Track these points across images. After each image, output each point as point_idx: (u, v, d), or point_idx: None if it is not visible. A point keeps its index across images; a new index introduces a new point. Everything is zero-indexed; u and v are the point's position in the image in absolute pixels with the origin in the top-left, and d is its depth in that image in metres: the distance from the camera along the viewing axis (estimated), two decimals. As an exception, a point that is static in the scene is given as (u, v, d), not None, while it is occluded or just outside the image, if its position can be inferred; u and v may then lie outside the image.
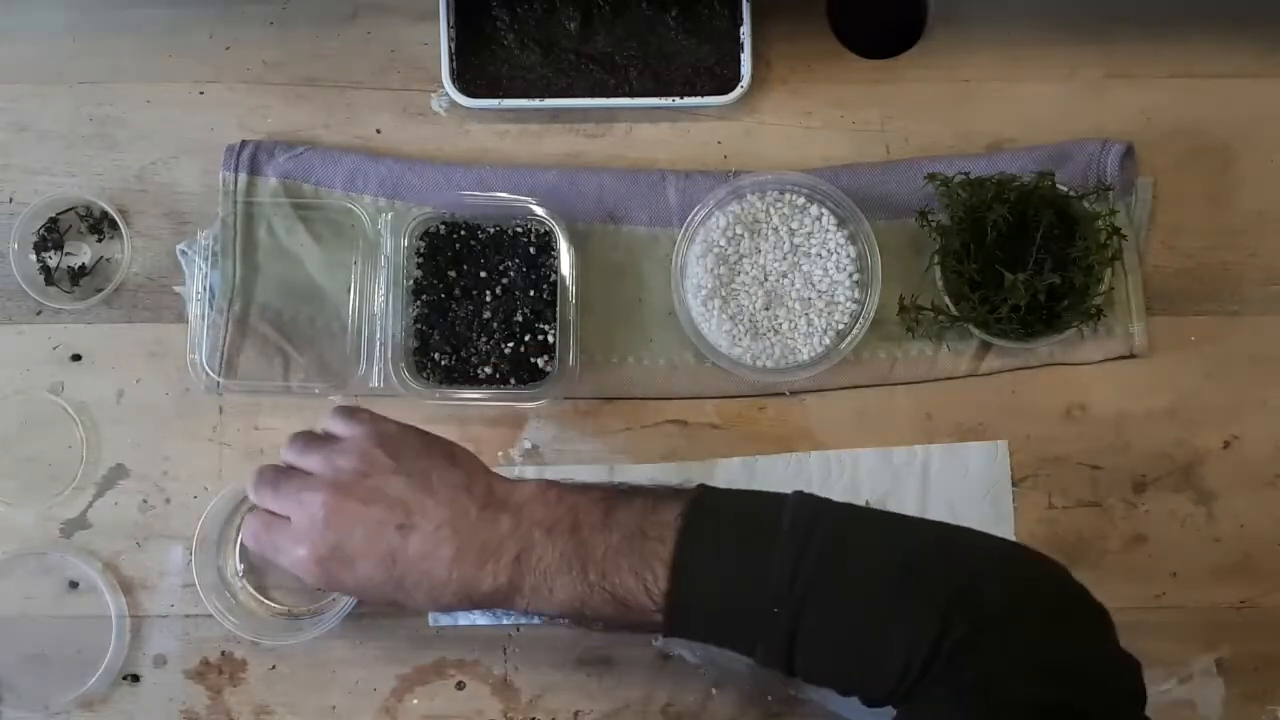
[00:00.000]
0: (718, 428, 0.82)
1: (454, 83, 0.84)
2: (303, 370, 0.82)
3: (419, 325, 0.82)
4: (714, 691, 0.79)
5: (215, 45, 0.86)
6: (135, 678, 0.80)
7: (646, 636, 0.66)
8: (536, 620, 0.73)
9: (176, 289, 0.84)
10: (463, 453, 0.71)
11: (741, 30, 0.83)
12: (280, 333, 0.83)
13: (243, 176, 0.83)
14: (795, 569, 0.61)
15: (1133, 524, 0.81)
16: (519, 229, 0.83)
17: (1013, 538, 0.80)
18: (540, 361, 0.82)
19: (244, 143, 0.84)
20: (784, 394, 0.82)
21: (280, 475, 0.71)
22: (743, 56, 0.83)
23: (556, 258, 0.82)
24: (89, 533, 0.81)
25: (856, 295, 0.81)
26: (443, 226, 0.83)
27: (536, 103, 0.84)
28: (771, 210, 0.81)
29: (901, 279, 0.82)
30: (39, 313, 0.83)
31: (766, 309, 0.81)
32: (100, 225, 0.84)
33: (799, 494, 0.66)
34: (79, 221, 0.84)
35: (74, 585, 0.81)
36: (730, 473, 0.81)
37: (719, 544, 0.64)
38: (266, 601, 0.81)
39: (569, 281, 0.81)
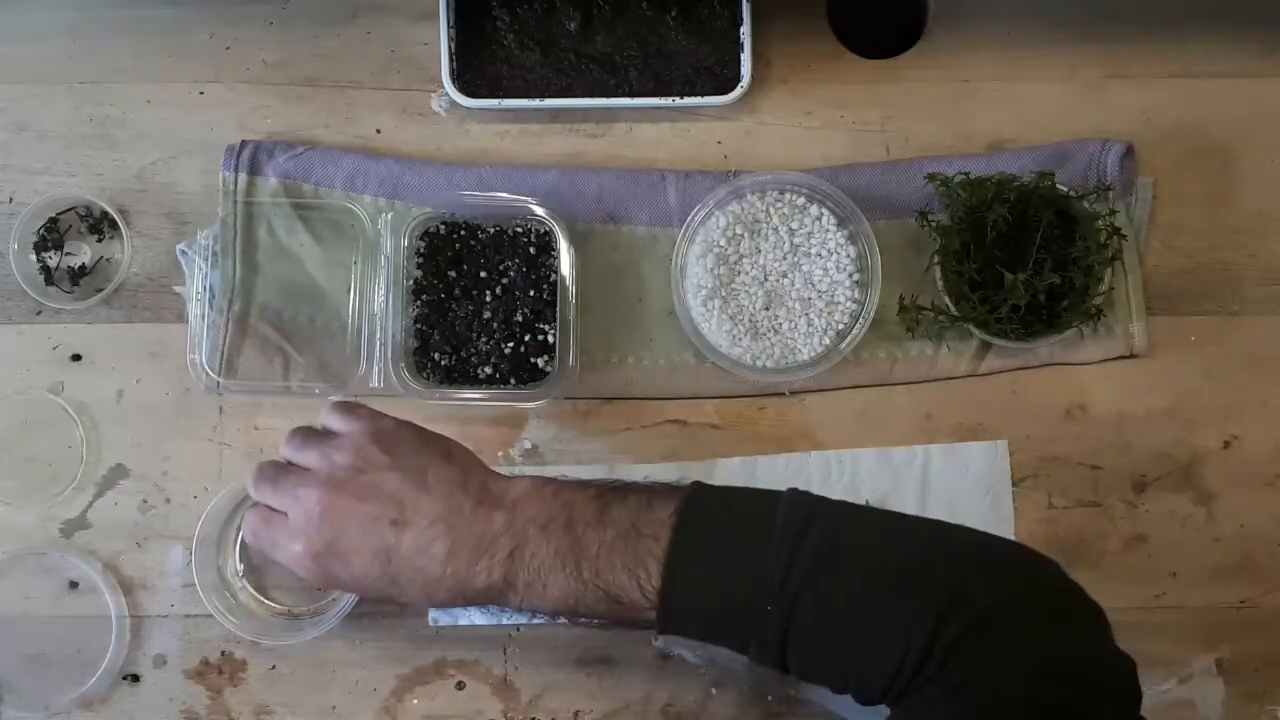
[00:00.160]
0: (718, 428, 0.82)
1: (454, 83, 0.84)
2: (303, 370, 0.82)
3: (419, 325, 0.82)
4: (714, 691, 0.79)
5: (215, 45, 0.86)
6: (135, 678, 0.80)
7: (647, 636, 0.66)
8: (536, 620, 0.73)
9: (176, 289, 0.84)
10: (459, 449, 0.72)
11: (741, 30, 0.83)
12: (280, 333, 0.83)
13: (243, 176, 0.83)
14: (789, 566, 0.61)
15: (1133, 524, 0.81)
16: (519, 229, 0.83)
17: (1012, 538, 0.80)
18: (540, 361, 0.82)
19: (244, 143, 0.84)
20: (784, 394, 0.82)
21: (279, 471, 0.71)
22: (743, 56, 0.83)
23: (556, 258, 0.82)
24: (89, 533, 0.81)
25: (856, 295, 0.81)
26: (443, 226, 0.83)
27: (536, 103, 0.84)
28: (771, 210, 0.81)
29: (901, 279, 0.82)
30: (39, 313, 0.83)
31: (766, 309, 0.81)
32: (100, 225, 0.84)
33: (793, 491, 0.66)
34: (79, 221, 0.84)
35: (74, 585, 0.81)
36: (730, 473, 0.81)
37: (713, 541, 0.64)
38: (266, 601, 0.81)
39: (569, 281, 0.81)
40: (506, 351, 0.82)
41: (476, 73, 0.85)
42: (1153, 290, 0.83)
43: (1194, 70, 0.85)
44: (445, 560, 0.66)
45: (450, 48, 0.84)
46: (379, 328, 0.82)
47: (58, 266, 0.84)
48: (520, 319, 0.82)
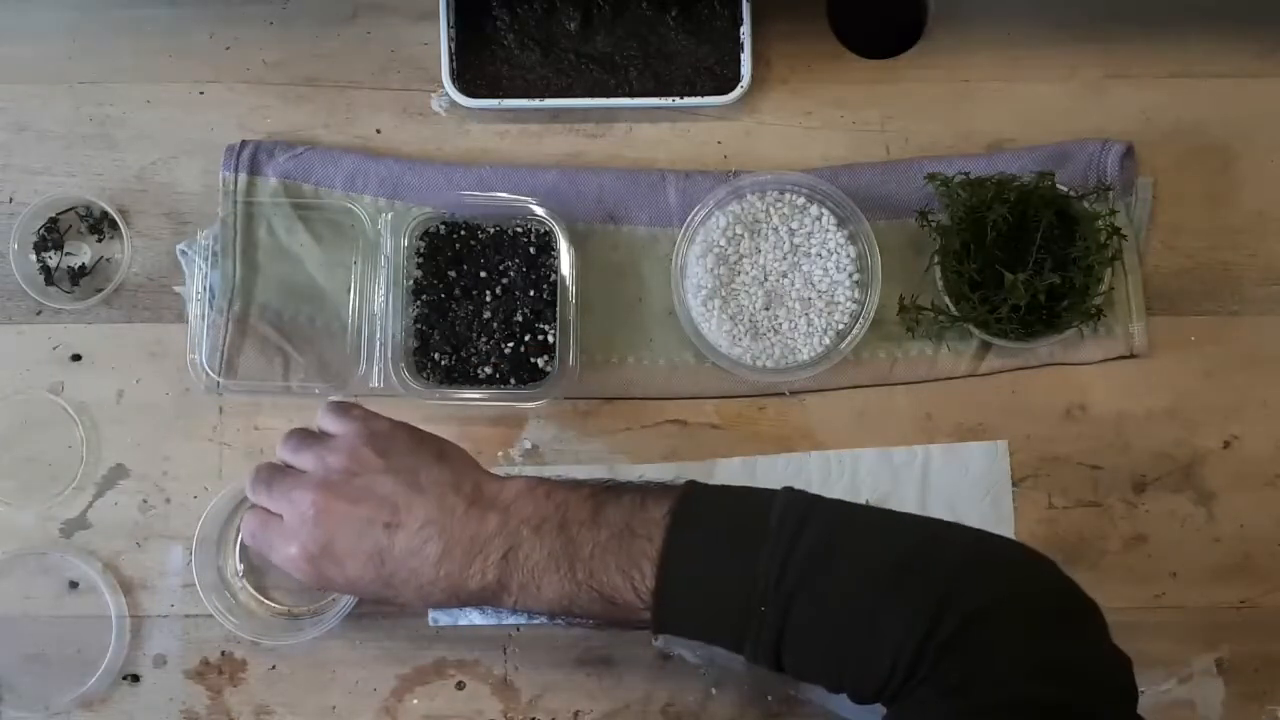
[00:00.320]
0: (718, 428, 0.82)
1: (454, 83, 0.84)
2: (303, 370, 0.82)
3: (419, 325, 0.82)
4: (714, 691, 0.79)
5: (215, 45, 0.86)
6: (135, 678, 0.80)
7: (646, 636, 0.67)
8: (536, 620, 0.73)
9: (176, 289, 0.84)
10: (453, 450, 0.71)
11: (741, 30, 0.83)
12: (280, 333, 0.83)
13: (243, 176, 0.83)
14: (783, 566, 0.61)
15: (1133, 524, 0.81)
16: (519, 229, 0.83)
17: (1012, 537, 0.80)
18: (540, 361, 0.82)
19: (244, 143, 0.84)
20: (784, 394, 0.82)
21: (274, 474, 0.71)
22: (743, 56, 0.83)
23: (556, 258, 0.82)
24: (89, 533, 0.81)
25: (856, 295, 0.81)
26: (443, 226, 0.83)
27: (536, 103, 0.84)
28: (771, 210, 0.81)
29: (901, 279, 0.82)
30: (39, 313, 0.83)
31: (766, 309, 0.81)
32: (100, 225, 0.84)
33: (788, 490, 0.65)
34: (79, 221, 0.84)
35: (74, 585, 0.81)
36: (730, 473, 0.81)
37: (707, 542, 0.64)
38: (266, 601, 0.81)
39: (569, 281, 0.81)
40: (506, 351, 0.82)
41: (476, 73, 0.85)
42: (1153, 290, 0.83)
43: (1194, 70, 0.85)
44: (439, 562, 0.66)
45: (450, 48, 0.84)
46: (379, 328, 0.82)
47: (58, 266, 0.84)
48: (520, 319, 0.82)
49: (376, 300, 0.82)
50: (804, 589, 0.61)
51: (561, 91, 0.84)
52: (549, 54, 0.85)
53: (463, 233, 0.83)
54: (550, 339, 0.81)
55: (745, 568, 0.62)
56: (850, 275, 0.80)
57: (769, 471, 0.81)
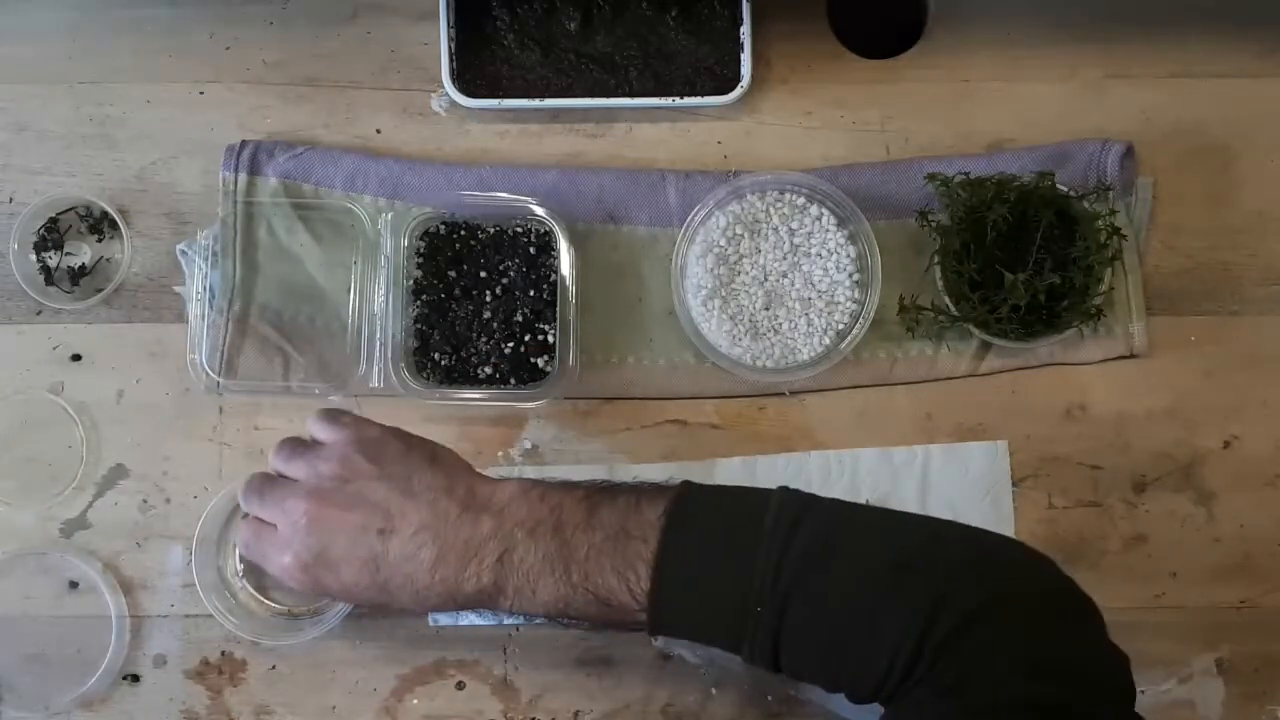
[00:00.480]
0: (718, 428, 0.82)
1: (454, 83, 0.84)
2: (303, 370, 0.82)
3: (419, 325, 0.82)
4: (714, 691, 0.79)
5: (215, 45, 0.86)
6: (135, 678, 0.80)
7: (646, 636, 0.66)
8: (535, 620, 0.73)
9: (176, 289, 0.84)
10: (445, 454, 0.71)
11: (741, 30, 0.83)
12: (280, 333, 0.83)
13: (243, 176, 0.83)
14: (779, 566, 0.61)
15: (1133, 524, 0.81)
16: (519, 229, 0.83)
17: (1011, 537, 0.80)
18: (540, 361, 0.82)
19: (244, 143, 0.84)
20: (784, 394, 0.82)
21: (266, 483, 0.72)
22: (743, 56, 0.83)
23: (556, 258, 0.82)
24: (89, 533, 0.81)
25: (856, 295, 0.81)
26: (443, 226, 0.83)
27: (536, 103, 0.84)
28: (771, 210, 0.81)
29: (901, 279, 0.82)
30: (39, 313, 0.83)
31: (766, 309, 0.81)
32: (100, 225, 0.84)
33: (784, 490, 0.65)
34: (79, 221, 0.84)
35: (74, 585, 0.81)
36: (730, 473, 0.81)
37: (702, 542, 0.64)
38: (266, 601, 0.81)
39: (569, 281, 0.81)
40: (506, 351, 0.82)
41: (476, 73, 0.85)
42: (1153, 290, 0.83)
43: (1194, 70, 0.85)
44: (433, 567, 0.66)
45: (450, 48, 0.84)
46: (379, 328, 0.81)
47: (58, 266, 0.84)
48: (520, 319, 0.82)
49: (376, 300, 0.82)
50: (800, 589, 0.61)
51: (561, 91, 0.84)
52: (549, 54, 0.85)
53: (463, 233, 0.83)
54: (550, 339, 0.81)
55: (741, 568, 0.62)
56: (850, 275, 0.80)
57: (769, 471, 0.81)
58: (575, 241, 0.82)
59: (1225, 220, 0.84)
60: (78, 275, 0.84)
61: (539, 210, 0.81)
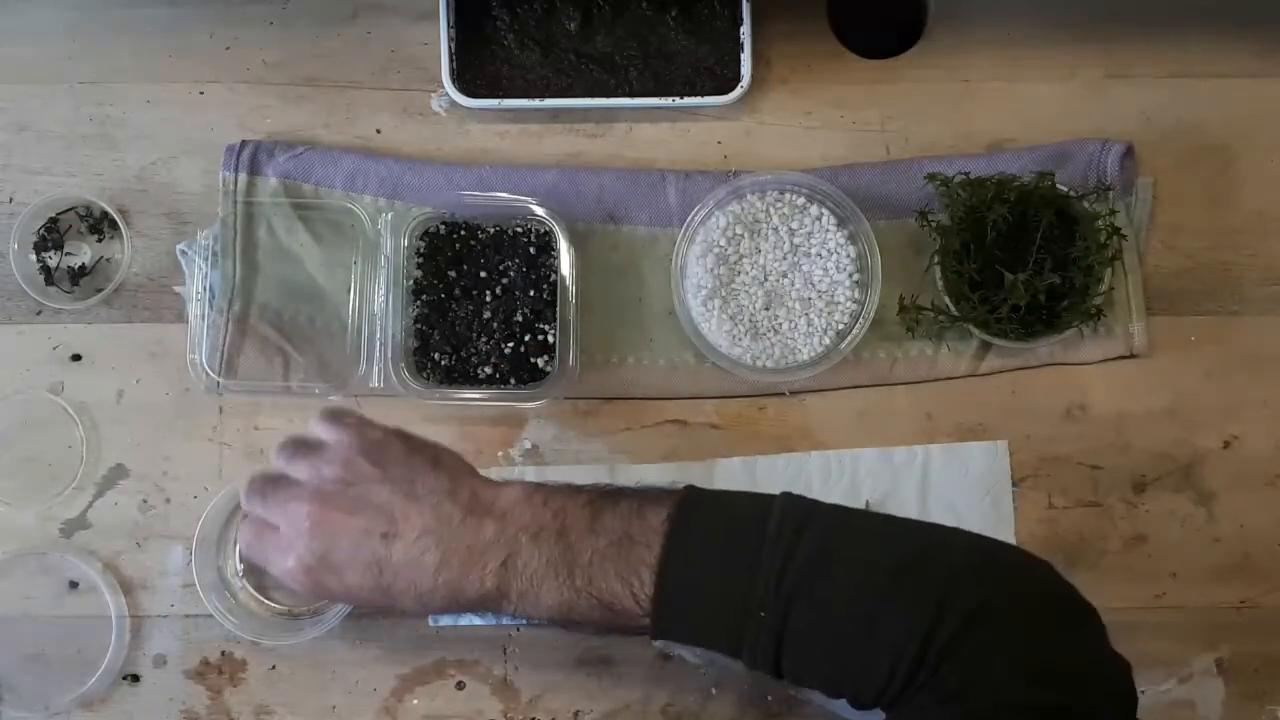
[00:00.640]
0: (718, 428, 0.82)
1: (454, 83, 0.84)
2: (303, 370, 0.82)
3: (419, 325, 0.82)
4: (714, 691, 0.79)
5: (215, 45, 0.86)
6: (135, 678, 0.80)
7: (644, 639, 0.66)
8: (537, 621, 0.73)
9: (176, 289, 0.84)
10: (448, 456, 0.71)
11: (741, 30, 0.83)
12: (280, 333, 0.83)
13: (243, 176, 0.83)
14: (782, 572, 0.61)
15: (1133, 524, 0.81)
16: (519, 229, 0.83)
17: (1012, 538, 0.80)
18: (540, 361, 0.82)
19: (244, 143, 0.84)
20: (784, 394, 0.82)
21: (269, 484, 0.71)
22: (743, 56, 0.83)
23: (556, 258, 0.82)
24: (89, 533, 0.81)
25: (856, 295, 0.81)
26: (443, 226, 0.83)
27: (536, 103, 0.84)
28: (771, 210, 0.81)
29: (901, 279, 0.82)
30: (39, 313, 0.83)
31: (766, 309, 0.81)
32: (100, 225, 0.84)
33: (787, 495, 0.65)
34: (79, 221, 0.84)
35: (74, 585, 0.81)
36: (730, 473, 0.81)
37: (705, 548, 0.64)
38: (266, 601, 0.81)
39: (569, 281, 0.81)
40: (506, 351, 0.82)
41: (476, 73, 0.85)
42: (1153, 290, 0.83)
43: (1194, 70, 0.85)
44: (437, 571, 0.66)
45: (450, 48, 0.84)
46: (379, 328, 0.81)
47: (58, 266, 0.84)
48: (520, 319, 0.82)
49: (376, 300, 0.82)
50: (803, 594, 0.61)
51: (561, 91, 0.84)
52: (549, 54, 0.85)
53: (463, 233, 0.83)
54: (550, 339, 0.81)
55: (744, 574, 0.61)
56: (850, 275, 0.80)
57: (769, 472, 0.81)
58: (575, 241, 0.82)
59: (1225, 220, 0.84)
60: (78, 275, 0.84)
61: (539, 210, 0.81)
